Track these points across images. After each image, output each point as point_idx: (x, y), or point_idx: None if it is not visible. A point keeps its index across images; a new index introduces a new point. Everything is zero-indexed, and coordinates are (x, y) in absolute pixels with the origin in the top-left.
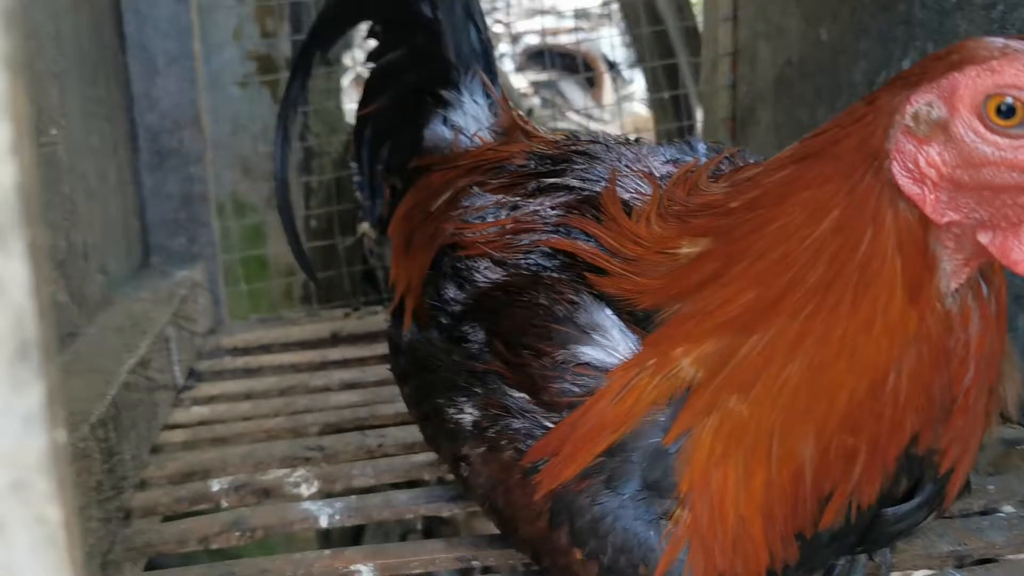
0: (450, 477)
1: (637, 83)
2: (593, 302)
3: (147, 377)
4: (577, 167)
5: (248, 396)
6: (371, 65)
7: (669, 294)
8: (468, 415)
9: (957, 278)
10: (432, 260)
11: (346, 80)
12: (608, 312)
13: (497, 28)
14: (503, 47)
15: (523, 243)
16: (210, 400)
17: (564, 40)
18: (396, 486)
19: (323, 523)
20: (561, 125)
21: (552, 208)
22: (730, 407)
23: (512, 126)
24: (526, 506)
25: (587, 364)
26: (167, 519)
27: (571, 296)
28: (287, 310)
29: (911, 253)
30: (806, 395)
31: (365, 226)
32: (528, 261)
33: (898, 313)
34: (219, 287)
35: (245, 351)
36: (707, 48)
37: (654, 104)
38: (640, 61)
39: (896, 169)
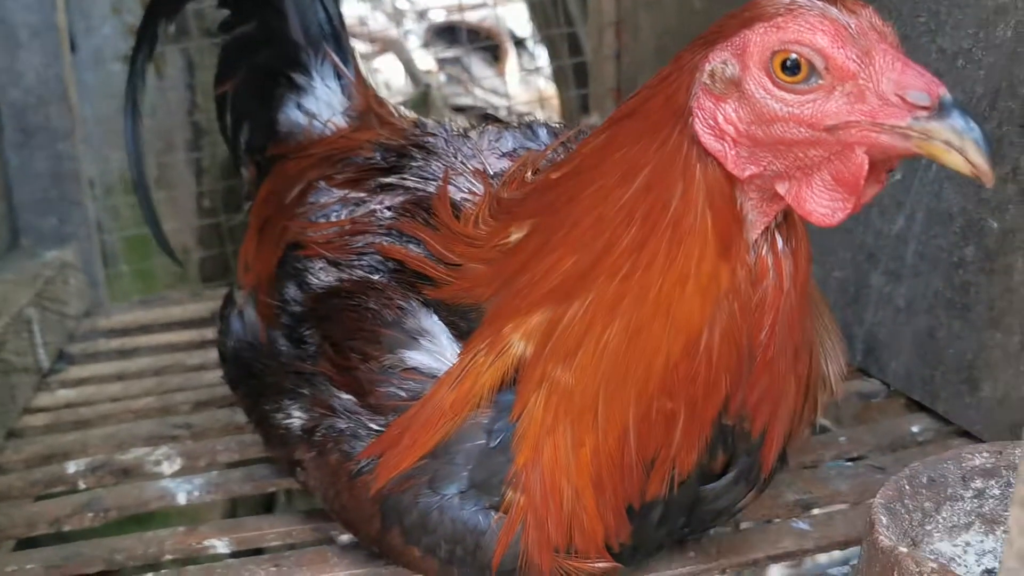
0: None
1: (542, 58)
2: (421, 308)
3: (1, 360)
4: (415, 164)
5: (120, 377)
6: (224, 36)
7: (498, 280)
8: (297, 419)
9: (756, 229)
10: (279, 258)
11: None
12: (436, 319)
13: (402, 4)
14: (408, 24)
15: (358, 245)
16: (79, 383)
17: (470, 16)
18: (260, 461)
19: (181, 500)
20: (465, 101)
21: (388, 209)
22: (557, 377)
23: (366, 110)
24: (357, 508)
25: (414, 369)
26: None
27: (400, 302)
28: (177, 291)
29: (720, 207)
30: (625, 358)
31: (250, 204)
32: (361, 263)
33: (710, 268)
34: (96, 268)
35: (123, 332)
36: (593, 17)
37: (556, 73)
38: (540, 30)
39: (698, 126)
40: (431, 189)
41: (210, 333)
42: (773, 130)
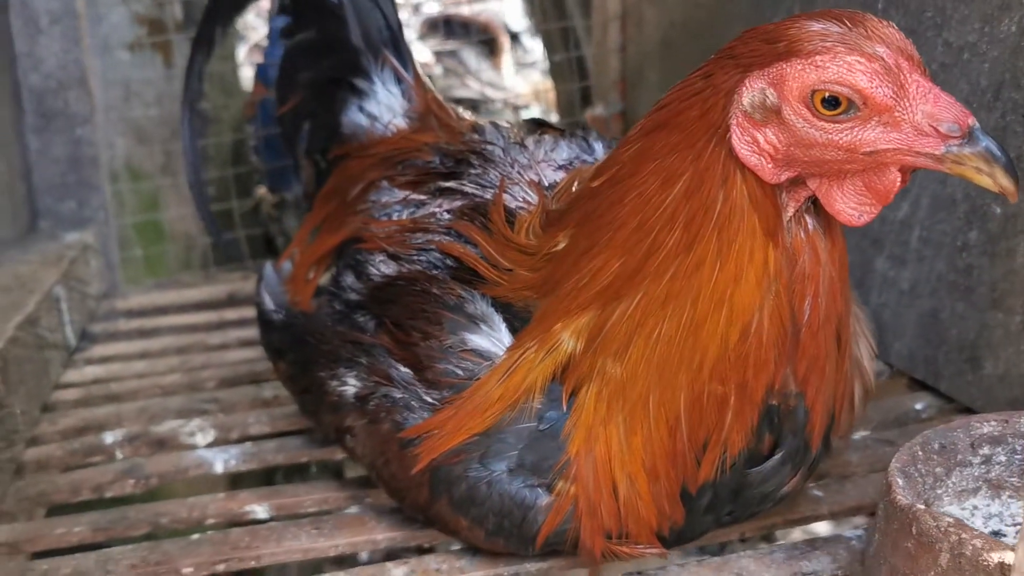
0: None
1: (537, 52)
2: (481, 297)
3: (36, 335)
4: (473, 171)
5: (143, 356)
6: (285, 41)
7: (547, 284)
8: (351, 386)
9: (788, 212)
10: (337, 247)
11: (242, 50)
12: (494, 309)
13: None
14: (403, 16)
15: (418, 241)
16: (104, 360)
17: (465, 10)
18: (292, 433)
19: (218, 469)
20: (462, 94)
21: (447, 212)
22: (608, 371)
23: (426, 111)
24: (407, 477)
25: (473, 351)
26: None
27: (460, 291)
28: (189, 275)
29: (765, 205)
30: (679, 350)
31: (262, 190)
32: (420, 259)
33: (762, 259)
34: (112, 251)
35: (141, 313)
36: (597, 11)
37: (552, 67)
38: (537, 25)
39: (735, 142)
40: (488, 196)
41: (229, 314)
42: (812, 152)
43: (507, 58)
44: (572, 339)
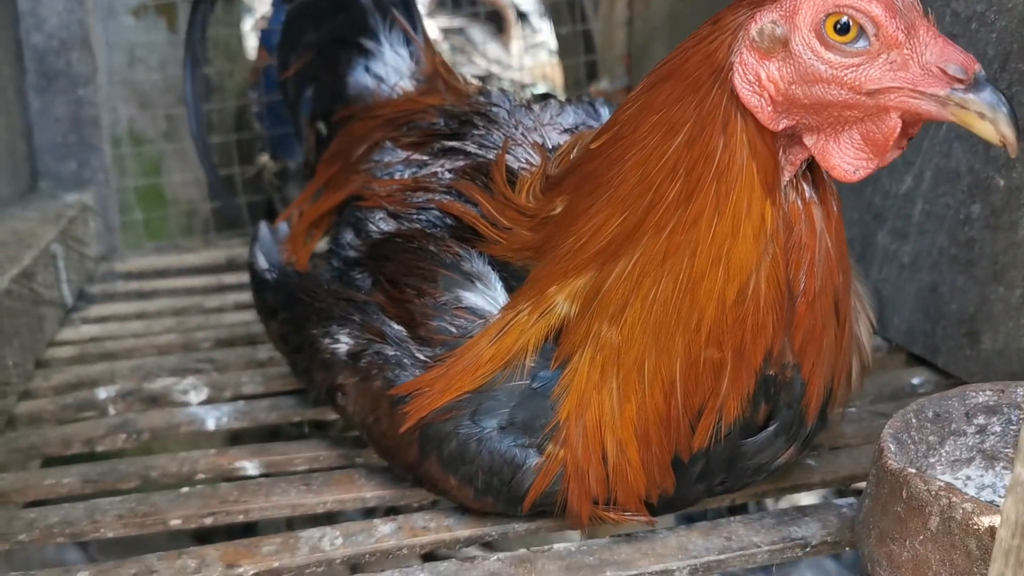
0: None
1: (545, 31)
2: (478, 256)
3: (31, 289)
4: (477, 132)
5: (140, 316)
6: (288, 5)
7: (545, 245)
8: (343, 344)
9: (785, 175)
10: (339, 207)
11: (248, 23)
12: (491, 267)
13: None
14: None
15: (418, 200)
16: (101, 320)
17: None
18: (285, 393)
19: (210, 426)
20: (469, 70)
21: (448, 172)
22: (603, 335)
23: (434, 74)
24: (396, 435)
25: (467, 308)
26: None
27: (457, 249)
28: (185, 240)
29: (764, 155)
30: (676, 310)
31: (265, 157)
32: (420, 217)
33: (759, 212)
34: (112, 213)
35: (139, 276)
36: None
37: (559, 40)
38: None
39: (737, 80)
40: (491, 156)
41: (227, 278)
42: (814, 90)
43: (515, 36)
44: (567, 303)
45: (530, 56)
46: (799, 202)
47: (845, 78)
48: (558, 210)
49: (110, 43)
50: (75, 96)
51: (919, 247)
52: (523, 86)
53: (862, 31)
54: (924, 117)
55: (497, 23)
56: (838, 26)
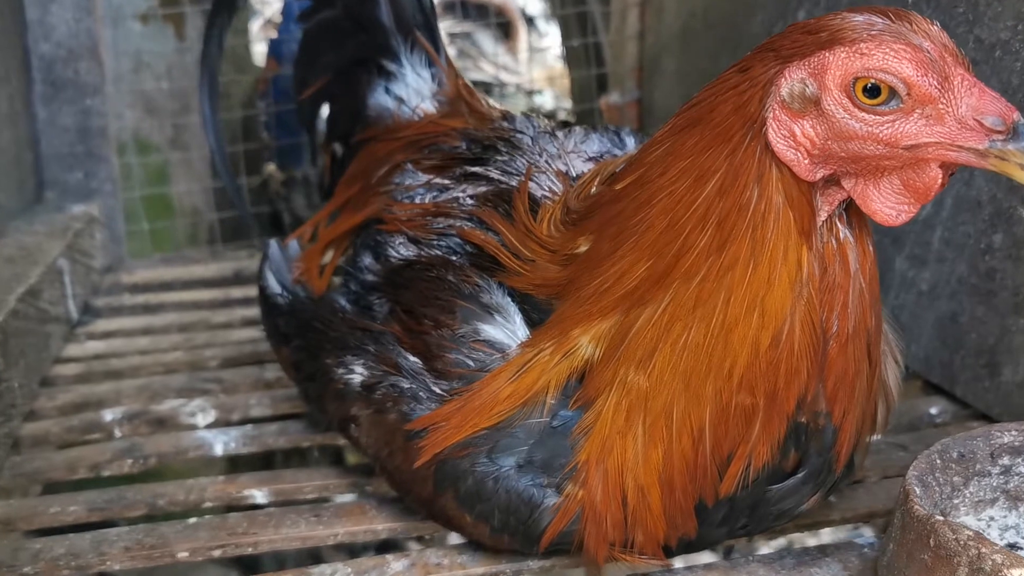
0: None
1: (552, 36)
2: (498, 287)
3: (37, 307)
4: (500, 158)
5: (146, 332)
6: (304, 24)
7: (568, 284)
8: (358, 375)
9: (821, 216)
10: (357, 228)
11: (255, 24)
12: (511, 300)
13: None
14: None
15: (439, 226)
16: (107, 335)
17: None
18: (294, 416)
19: (218, 451)
20: (475, 76)
21: (470, 198)
22: (630, 381)
23: (456, 96)
24: (411, 470)
25: (486, 341)
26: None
27: (477, 279)
28: (195, 250)
29: (800, 203)
30: (707, 357)
31: (271, 167)
32: (440, 243)
33: (795, 260)
34: (118, 224)
35: (145, 288)
36: None
37: (568, 52)
38: (553, 9)
39: (772, 135)
40: (514, 183)
41: (234, 292)
42: (850, 146)
43: (522, 42)
44: (591, 345)
45: (537, 62)
46: (833, 242)
47: (880, 135)
48: (582, 249)
49: (117, 50)
50: (83, 106)
51: (938, 275)
52: (530, 92)
53: (893, 92)
54: (963, 165)
55: (504, 29)
56: (867, 88)
